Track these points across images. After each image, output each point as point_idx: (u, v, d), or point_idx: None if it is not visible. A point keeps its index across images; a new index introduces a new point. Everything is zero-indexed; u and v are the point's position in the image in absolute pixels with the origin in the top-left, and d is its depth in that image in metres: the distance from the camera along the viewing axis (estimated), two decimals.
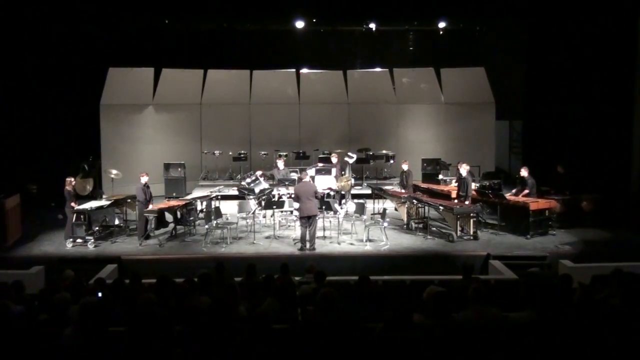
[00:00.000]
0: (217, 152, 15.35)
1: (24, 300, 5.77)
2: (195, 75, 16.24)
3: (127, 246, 10.76)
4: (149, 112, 15.87)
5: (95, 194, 12.38)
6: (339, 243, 10.69)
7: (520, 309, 4.53)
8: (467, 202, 11.02)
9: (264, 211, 11.74)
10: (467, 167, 11.32)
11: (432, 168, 14.83)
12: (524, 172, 11.76)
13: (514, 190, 12.00)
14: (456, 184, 11.79)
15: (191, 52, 16.95)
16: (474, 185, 12.15)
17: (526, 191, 11.59)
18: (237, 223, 11.25)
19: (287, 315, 5.04)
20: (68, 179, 10.95)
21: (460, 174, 11.28)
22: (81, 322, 4.11)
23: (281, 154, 14.80)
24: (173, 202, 12.00)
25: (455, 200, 11.25)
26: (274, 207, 11.27)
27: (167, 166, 14.76)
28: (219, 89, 16.32)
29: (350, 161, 13.43)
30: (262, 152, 15.43)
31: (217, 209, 11.32)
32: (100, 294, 5.85)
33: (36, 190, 14.39)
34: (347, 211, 11.47)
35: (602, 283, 5.75)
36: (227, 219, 11.45)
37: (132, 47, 16.15)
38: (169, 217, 11.47)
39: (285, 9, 15.60)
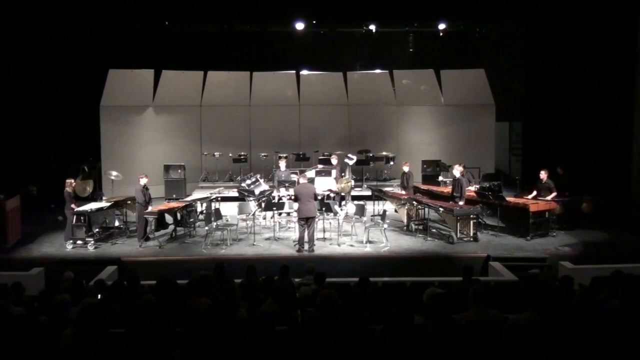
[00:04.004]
0: (217, 153, 15.35)
1: (24, 301, 5.77)
2: (195, 76, 16.24)
3: (127, 248, 10.76)
4: (149, 113, 15.87)
5: (95, 196, 12.37)
6: (339, 244, 10.69)
7: (521, 310, 4.53)
8: (461, 203, 11.05)
9: (263, 213, 11.74)
10: (461, 169, 11.39)
11: (432, 169, 14.83)
12: (543, 175, 11.53)
13: (533, 194, 11.70)
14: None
15: (191, 54, 16.95)
16: (473, 187, 12.20)
17: (554, 194, 11.43)
18: (237, 225, 11.25)
19: (287, 317, 5.04)
20: (68, 181, 10.96)
21: (454, 175, 11.38)
22: (81, 323, 4.10)
23: (281, 155, 14.80)
24: (173, 204, 12.00)
25: (451, 202, 11.26)
26: (274, 208, 11.29)
27: (167, 168, 14.76)
28: (219, 91, 16.32)
29: (350, 163, 13.43)
30: (262, 154, 15.42)
31: (217, 210, 11.33)
32: (100, 296, 5.85)
33: (36, 192, 14.39)
34: (347, 213, 11.47)
35: (602, 284, 5.76)
36: (227, 220, 11.45)
37: (132, 49, 16.15)
38: (169, 218, 11.47)
39: (285, 11, 15.58)
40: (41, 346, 4.29)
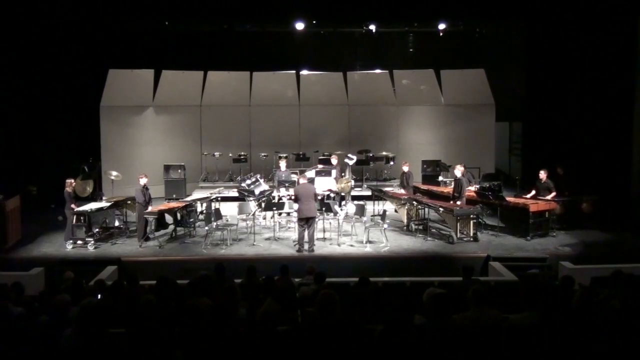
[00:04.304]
0: (217, 153, 15.35)
1: (24, 301, 5.77)
2: (195, 76, 16.24)
3: (127, 248, 10.76)
4: (149, 113, 15.87)
5: (95, 196, 12.37)
6: (339, 244, 10.69)
7: (520, 310, 4.52)
8: (459, 202, 11.07)
9: (263, 213, 11.74)
10: (462, 169, 11.42)
11: (432, 169, 14.83)
12: (543, 175, 11.62)
13: (532, 193, 11.83)
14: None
15: (191, 54, 16.97)
16: (473, 187, 12.21)
17: (553, 194, 11.51)
18: (237, 225, 11.25)
19: (287, 317, 5.03)
20: (68, 181, 10.96)
21: (455, 175, 11.42)
22: (81, 323, 4.10)
23: (281, 155, 14.80)
24: (173, 204, 12.00)
25: (451, 202, 11.27)
26: (274, 208, 11.28)
27: (167, 168, 14.76)
28: (219, 91, 16.32)
29: (350, 163, 13.43)
30: (262, 154, 15.42)
31: (217, 210, 11.32)
32: (100, 296, 5.85)
33: (36, 192, 14.39)
34: (347, 213, 11.47)
35: (602, 285, 5.75)
36: (227, 220, 11.45)
37: (132, 49, 16.15)
38: (169, 218, 11.47)
39: (286, 11, 15.59)
40: (41, 346, 4.29)
